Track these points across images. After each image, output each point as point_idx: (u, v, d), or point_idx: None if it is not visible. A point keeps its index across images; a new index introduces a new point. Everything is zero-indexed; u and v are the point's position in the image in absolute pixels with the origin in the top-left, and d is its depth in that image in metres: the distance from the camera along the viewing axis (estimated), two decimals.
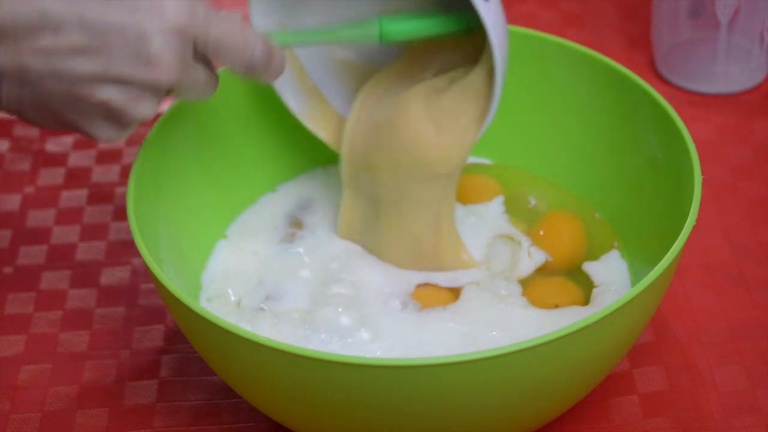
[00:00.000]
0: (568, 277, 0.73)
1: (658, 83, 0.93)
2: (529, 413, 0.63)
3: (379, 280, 0.72)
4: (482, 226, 0.76)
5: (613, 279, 0.72)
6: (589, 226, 0.76)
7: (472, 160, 0.81)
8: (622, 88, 0.74)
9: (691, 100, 0.92)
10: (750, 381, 0.71)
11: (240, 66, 0.62)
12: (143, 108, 0.60)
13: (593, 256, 0.74)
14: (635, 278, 0.72)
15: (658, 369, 0.72)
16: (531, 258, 0.73)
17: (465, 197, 0.77)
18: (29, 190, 0.87)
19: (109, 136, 0.61)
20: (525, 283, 0.72)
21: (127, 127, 0.61)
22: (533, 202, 0.78)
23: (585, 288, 0.72)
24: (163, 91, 0.60)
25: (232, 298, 0.72)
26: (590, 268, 0.73)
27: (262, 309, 0.71)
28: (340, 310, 0.69)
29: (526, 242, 0.74)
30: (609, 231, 0.75)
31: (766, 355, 0.72)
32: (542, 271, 0.73)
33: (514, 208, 0.77)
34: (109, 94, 0.58)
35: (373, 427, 0.62)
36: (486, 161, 0.81)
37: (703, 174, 0.66)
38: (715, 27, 0.90)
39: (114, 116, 0.60)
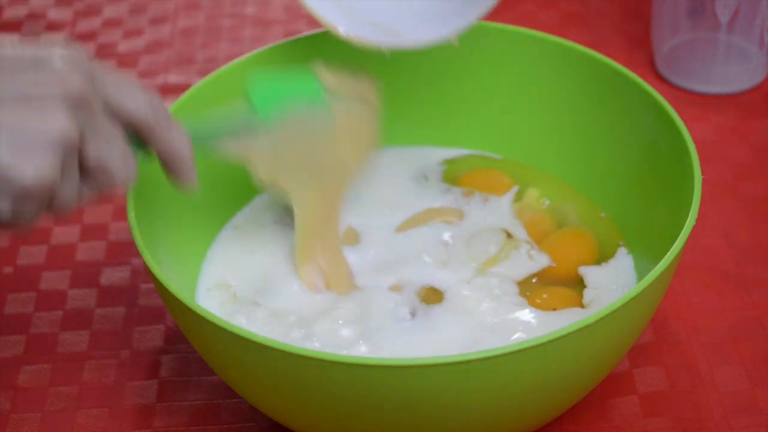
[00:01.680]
0: (568, 284, 0.73)
1: (658, 83, 0.93)
2: (529, 413, 0.63)
3: (386, 291, 0.72)
4: (486, 217, 0.76)
5: (616, 281, 0.72)
6: (595, 224, 0.76)
7: (483, 154, 0.81)
8: (623, 88, 0.74)
9: (691, 100, 0.92)
10: (750, 381, 0.71)
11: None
12: None
13: (598, 256, 0.74)
14: (640, 278, 0.72)
15: (658, 369, 0.72)
16: (532, 260, 0.73)
17: (478, 187, 0.78)
18: None
19: None
20: (524, 287, 0.72)
21: None
22: (547, 202, 0.78)
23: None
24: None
25: (235, 291, 0.72)
26: (589, 272, 0.73)
27: (257, 303, 0.71)
28: (340, 322, 0.69)
29: (524, 243, 0.74)
30: (614, 230, 0.75)
31: (766, 355, 0.72)
32: (542, 276, 0.73)
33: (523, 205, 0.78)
34: None
35: (372, 427, 0.62)
36: (496, 156, 0.81)
37: (703, 174, 0.66)
38: (715, 27, 0.90)
39: None
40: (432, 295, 0.71)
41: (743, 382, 0.71)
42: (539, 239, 0.75)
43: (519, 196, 0.78)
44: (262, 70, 0.72)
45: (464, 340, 0.68)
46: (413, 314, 0.70)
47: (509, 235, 0.75)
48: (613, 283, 0.71)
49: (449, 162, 0.81)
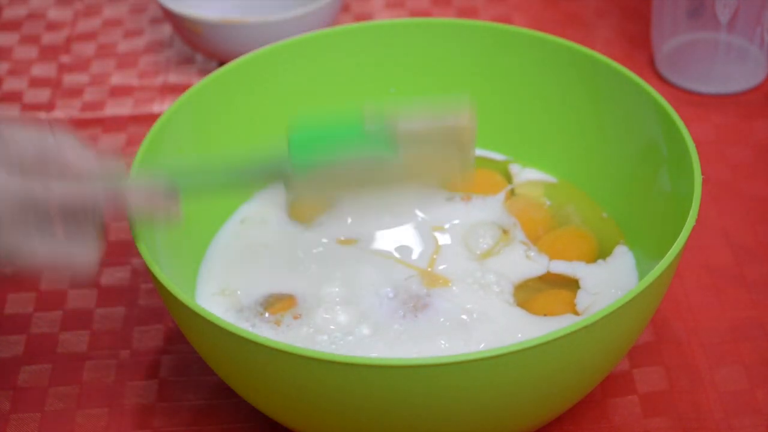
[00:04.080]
0: (567, 286, 0.72)
1: (658, 83, 0.93)
2: (528, 413, 0.63)
3: (370, 273, 0.72)
4: (481, 216, 0.76)
5: (616, 283, 0.72)
6: (597, 224, 0.76)
7: (485, 154, 0.81)
8: (623, 88, 0.74)
9: (691, 100, 0.92)
10: (750, 381, 0.71)
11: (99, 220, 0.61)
12: None
13: (598, 256, 0.74)
14: (641, 277, 0.72)
15: (658, 369, 0.72)
16: (531, 261, 0.73)
17: (473, 189, 0.78)
18: None
19: None
20: (521, 287, 0.72)
21: None
22: (547, 202, 0.78)
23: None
24: None
25: (237, 293, 0.72)
26: (587, 273, 0.73)
27: (261, 312, 0.71)
28: (337, 308, 0.70)
29: (520, 244, 0.74)
30: (615, 230, 0.75)
31: (766, 355, 0.72)
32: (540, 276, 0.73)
33: (522, 203, 0.78)
34: None
35: (372, 427, 0.62)
36: (498, 156, 0.81)
37: (703, 174, 0.66)
38: (715, 27, 0.90)
39: None
40: (433, 281, 0.72)
41: (743, 382, 0.71)
42: (536, 233, 0.75)
43: (512, 192, 0.79)
44: (307, 115, 0.67)
45: (455, 324, 0.69)
46: (396, 293, 0.71)
47: (504, 232, 0.75)
48: (612, 286, 0.71)
49: None
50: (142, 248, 0.64)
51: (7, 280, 0.79)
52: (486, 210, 0.77)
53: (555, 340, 0.57)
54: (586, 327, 0.58)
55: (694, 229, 0.63)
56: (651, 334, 0.73)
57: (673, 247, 0.62)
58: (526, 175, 0.80)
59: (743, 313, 0.75)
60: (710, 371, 0.71)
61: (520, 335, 0.68)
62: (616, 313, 0.59)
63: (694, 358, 0.72)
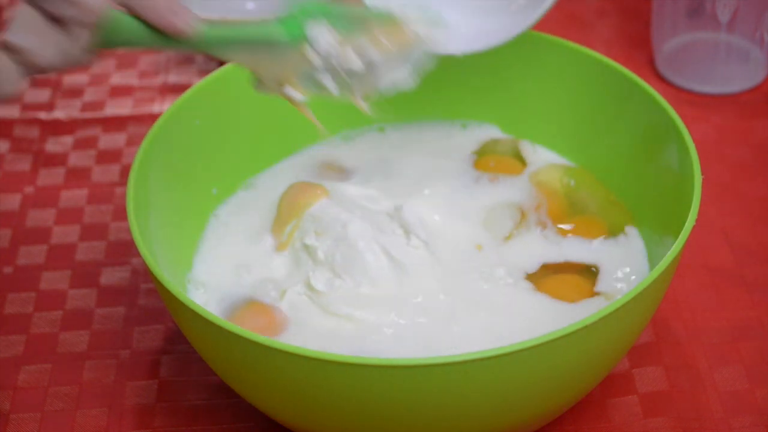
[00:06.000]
0: (580, 272, 0.72)
1: (658, 83, 0.93)
2: (528, 413, 0.63)
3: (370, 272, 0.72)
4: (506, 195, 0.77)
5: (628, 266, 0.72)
6: (606, 208, 0.76)
7: (501, 136, 0.81)
8: (623, 88, 0.74)
9: (691, 100, 0.92)
10: (750, 381, 0.71)
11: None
12: None
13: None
14: (651, 264, 0.72)
15: (658, 369, 0.72)
16: (547, 240, 0.73)
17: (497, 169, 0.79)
18: (29, 190, 0.87)
19: None
20: (537, 273, 0.72)
21: None
22: (572, 182, 0.78)
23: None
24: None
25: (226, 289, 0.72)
26: (600, 256, 0.72)
27: (253, 299, 0.71)
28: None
29: (536, 226, 0.74)
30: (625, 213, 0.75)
31: (766, 355, 0.72)
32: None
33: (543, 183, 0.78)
34: None
35: (373, 427, 0.62)
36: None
37: (703, 174, 0.66)
38: (715, 27, 0.90)
39: None
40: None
41: (743, 382, 0.71)
42: (559, 214, 0.75)
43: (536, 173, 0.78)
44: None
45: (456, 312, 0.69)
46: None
47: (523, 215, 0.75)
48: (626, 265, 0.71)
49: (477, 153, 0.81)
50: (142, 248, 0.64)
51: (8, 277, 0.79)
52: (512, 189, 0.77)
53: (554, 340, 0.57)
54: (585, 327, 0.58)
55: (694, 229, 0.63)
56: (651, 334, 0.73)
57: (673, 247, 0.62)
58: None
59: (743, 313, 0.75)
60: (710, 371, 0.71)
61: (531, 321, 0.68)
62: (615, 313, 0.59)
63: (694, 358, 0.72)
